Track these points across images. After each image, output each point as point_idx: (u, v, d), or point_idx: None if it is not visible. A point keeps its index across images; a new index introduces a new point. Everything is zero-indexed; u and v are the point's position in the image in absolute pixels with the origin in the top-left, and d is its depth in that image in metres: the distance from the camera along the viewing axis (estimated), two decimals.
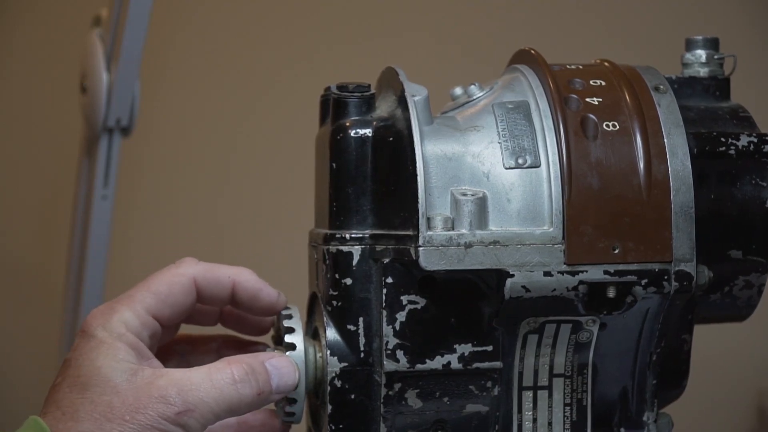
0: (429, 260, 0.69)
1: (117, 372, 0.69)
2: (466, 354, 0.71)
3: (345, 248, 0.71)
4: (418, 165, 0.69)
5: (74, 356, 0.70)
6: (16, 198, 1.61)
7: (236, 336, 0.79)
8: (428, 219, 0.69)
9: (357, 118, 0.73)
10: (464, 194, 0.70)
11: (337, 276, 0.72)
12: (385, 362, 0.71)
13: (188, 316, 0.76)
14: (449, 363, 0.71)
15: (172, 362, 0.78)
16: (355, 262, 0.71)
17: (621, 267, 0.70)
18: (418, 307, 0.71)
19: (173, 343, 0.78)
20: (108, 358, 0.69)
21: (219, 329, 0.79)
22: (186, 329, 0.79)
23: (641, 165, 0.71)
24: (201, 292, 0.74)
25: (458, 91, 0.74)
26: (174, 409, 0.68)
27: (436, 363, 0.71)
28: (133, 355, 0.70)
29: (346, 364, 0.71)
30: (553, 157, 0.70)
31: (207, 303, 0.75)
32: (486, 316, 0.71)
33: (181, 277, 0.74)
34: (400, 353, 0.71)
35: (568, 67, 0.75)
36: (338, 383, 0.71)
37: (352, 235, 0.71)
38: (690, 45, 0.78)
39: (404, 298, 0.71)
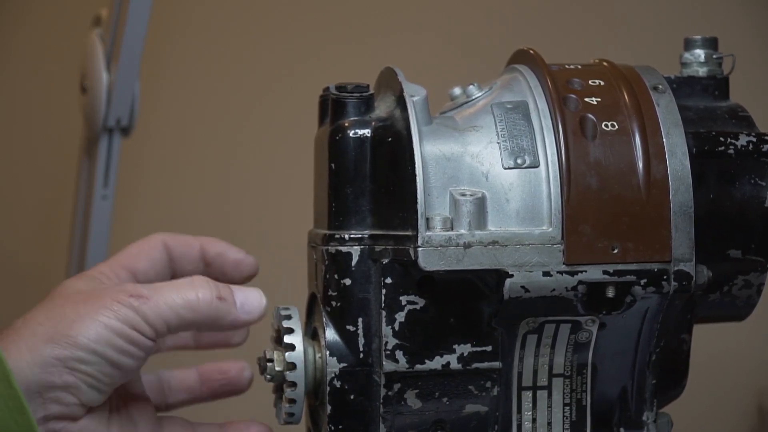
0: (428, 260, 0.69)
1: (88, 284, 0.72)
2: (465, 354, 0.71)
3: (344, 249, 0.71)
4: (417, 165, 0.69)
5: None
6: (16, 198, 1.61)
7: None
8: (427, 219, 0.69)
9: (356, 118, 0.73)
10: (463, 194, 0.70)
11: (336, 276, 0.72)
12: (384, 362, 0.71)
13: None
14: (448, 363, 0.71)
15: None
16: (354, 262, 0.71)
17: (620, 267, 0.70)
18: (418, 307, 0.71)
19: None
20: (87, 279, 0.73)
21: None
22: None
23: (640, 165, 0.70)
24: (171, 251, 0.78)
25: (457, 91, 0.74)
26: (128, 293, 0.69)
27: (436, 363, 0.71)
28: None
29: (345, 364, 0.71)
30: (552, 157, 0.70)
31: (178, 263, 0.78)
32: (485, 316, 0.71)
33: (149, 239, 0.78)
34: (399, 353, 0.71)
35: (566, 67, 0.75)
36: (337, 384, 0.71)
37: (351, 236, 0.71)
38: (689, 44, 0.78)
39: (403, 299, 0.71)
